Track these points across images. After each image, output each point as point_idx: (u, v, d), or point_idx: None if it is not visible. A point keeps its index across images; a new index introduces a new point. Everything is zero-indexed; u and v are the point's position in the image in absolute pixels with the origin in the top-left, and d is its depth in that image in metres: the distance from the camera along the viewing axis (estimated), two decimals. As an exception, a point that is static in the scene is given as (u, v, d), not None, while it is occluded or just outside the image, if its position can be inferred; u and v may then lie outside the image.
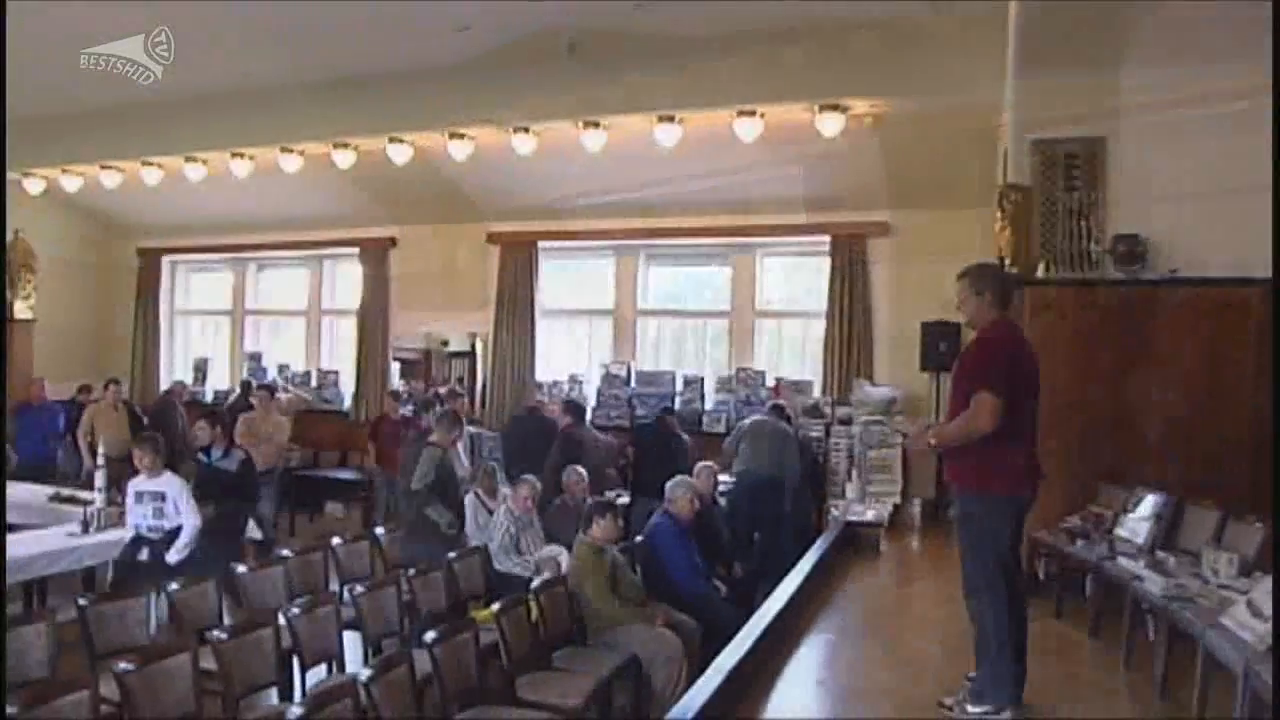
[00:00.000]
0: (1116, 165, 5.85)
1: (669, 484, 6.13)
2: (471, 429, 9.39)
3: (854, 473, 8.43)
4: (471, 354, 10.88)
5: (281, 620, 4.33)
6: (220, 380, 12.36)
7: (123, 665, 3.61)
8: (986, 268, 4.06)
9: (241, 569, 5.23)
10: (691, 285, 10.81)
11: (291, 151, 9.54)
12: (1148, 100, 5.75)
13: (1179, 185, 5.70)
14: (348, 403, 11.40)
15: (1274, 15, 4.32)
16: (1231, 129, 5.61)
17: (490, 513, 6.54)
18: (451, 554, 5.66)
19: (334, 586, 5.62)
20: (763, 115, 7.84)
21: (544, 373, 10.58)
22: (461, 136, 8.80)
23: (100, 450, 6.96)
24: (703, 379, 9.89)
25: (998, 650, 3.64)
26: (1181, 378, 5.61)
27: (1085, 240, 5.88)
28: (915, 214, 8.83)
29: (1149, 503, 4.98)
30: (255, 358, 12.14)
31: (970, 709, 3.70)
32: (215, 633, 4.05)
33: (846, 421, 8.70)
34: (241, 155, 9.75)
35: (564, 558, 5.77)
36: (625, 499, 8.01)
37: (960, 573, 3.82)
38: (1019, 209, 5.89)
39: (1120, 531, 5.02)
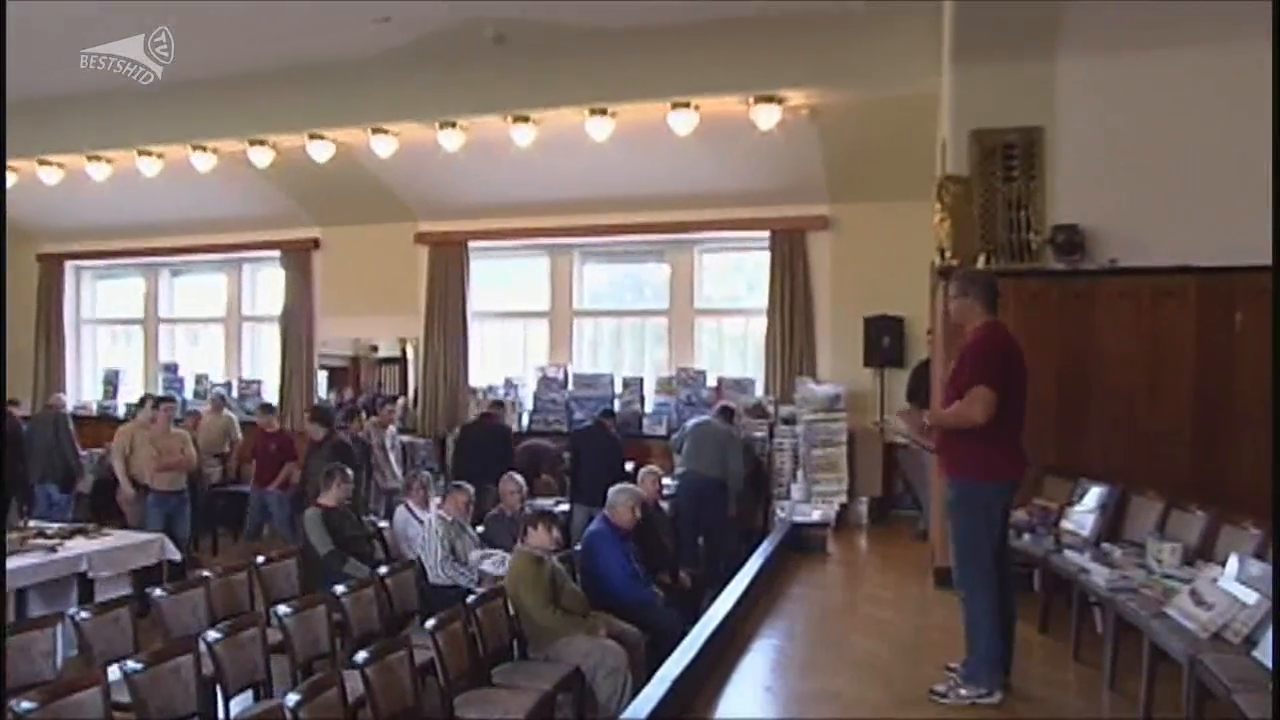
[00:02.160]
0: (1055, 155, 5.93)
1: (612, 490, 6.08)
2: (404, 438, 9.36)
3: (799, 472, 8.47)
4: (402, 359, 10.80)
5: (202, 646, 4.16)
6: (134, 393, 11.90)
7: (25, 704, 3.39)
8: (973, 274, 4.42)
9: (158, 593, 5.01)
10: (629, 284, 10.80)
11: (204, 149, 9.31)
12: (1085, 89, 5.85)
13: (1117, 174, 5.81)
14: (271, 413, 11.08)
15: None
16: (1169, 116, 5.75)
17: (422, 524, 6.38)
18: (383, 569, 5.54)
19: (260, 608, 5.44)
20: (697, 108, 7.86)
21: (478, 377, 10.50)
22: (385, 132, 8.70)
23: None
24: (642, 380, 9.89)
25: (990, 635, 3.88)
26: (1123, 368, 5.73)
27: (1025, 231, 5.94)
28: (855, 207, 8.94)
29: (1094, 494, 5.06)
30: (170, 368, 11.81)
31: (963, 693, 3.91)
32: (129, 663, 3.85)
33: (790, 420, 8.74)
34: (150, 153, 9.44)
35: (500, 561, 5.71)
36: (564, 506, 7.94)
37: (929, 564, 4.05)
38: (958, 200, 5.95)
39: (1067, 524, 5.09)
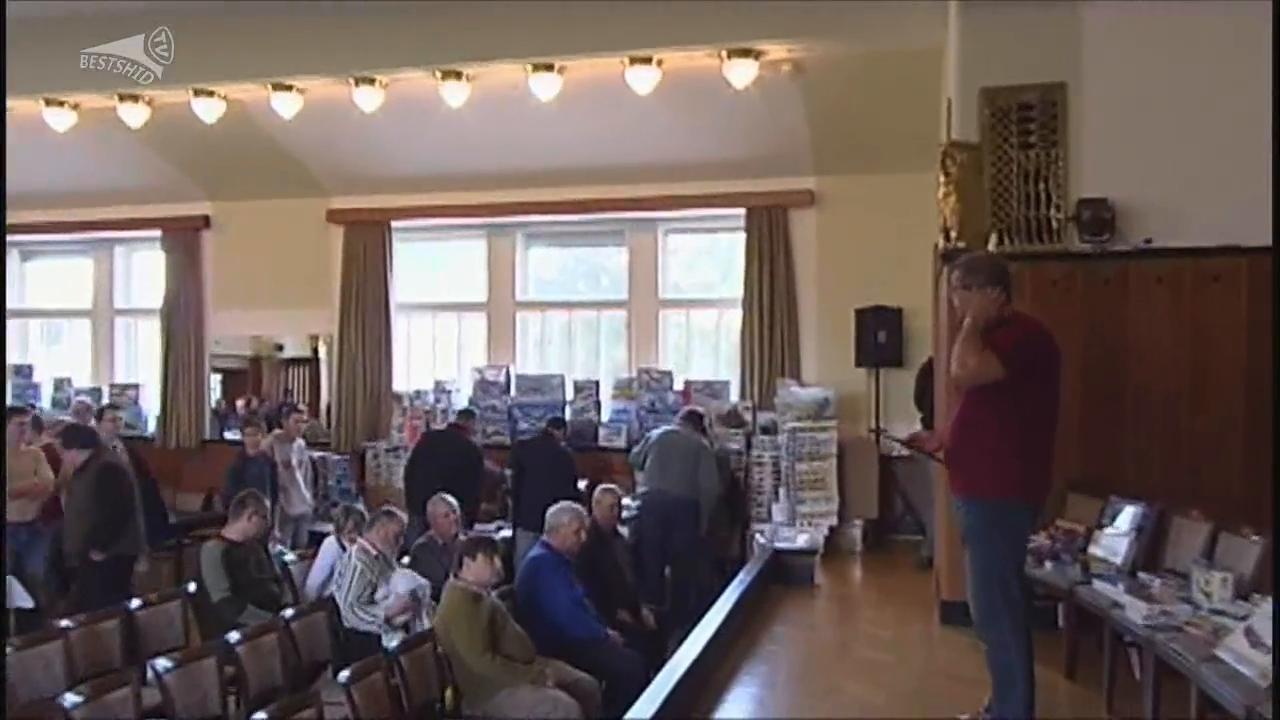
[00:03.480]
0: (1079, 117, 5.89)
1: (552, 510, 6.07)
2: (315, 453, 9.28)
3: (781, 490, 8.47)
4: (313, 360, 10.77)
5: (57, 714, 4.00)
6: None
7: None
8: (976, 259, 4.43)
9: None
10: (582, 270, 10.80)
11: (61, 104, 9.03)
12: (1116, 39, 5.82)
13: (1153, 139, 5.77)
14: (152, 426, 10.99)
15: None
16: (1214, 70, 5.73)
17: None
18: (288, 611, 5.46)
19: (134, 663, 5.26)
20: (660, 63, 7.83)
21: (404, 381, 10.46)
22: (288, 88, 8.52)
23: None
24: (598, 383, 9.89)
25: (1026, 680, 3.93)
26: (1161, 366, 5.70)
27: (1044, 206, 5.91)
28: (845, 180, 8.94)
29: (1128, 515, 5.02)
30: (23, 371, 11.52)
31: None
32: (-36, 737, 3.66)
33: (770, 430, 8.74)
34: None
35: (423, 592, 5.65)
36: (506, 533, 7.91)
37: (962, 597, 4.12)
38: (965, 171, 5.94)
39: (1095, 550, 5.06)
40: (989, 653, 4.02)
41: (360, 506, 6.97)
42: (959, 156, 5.95)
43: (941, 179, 6.01)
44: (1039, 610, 5.26)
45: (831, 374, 8.97)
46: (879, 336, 8.64)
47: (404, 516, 6.22)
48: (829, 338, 9.07)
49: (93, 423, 8.16)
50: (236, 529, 6.02)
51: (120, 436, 9.02)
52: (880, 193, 8.65)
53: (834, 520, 8.29)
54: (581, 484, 8.00)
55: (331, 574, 6.14)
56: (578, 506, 6.21)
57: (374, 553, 5.89)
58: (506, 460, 8.75)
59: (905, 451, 6.80)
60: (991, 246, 5.82)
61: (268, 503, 6.30)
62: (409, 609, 5.58)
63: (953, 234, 5.91)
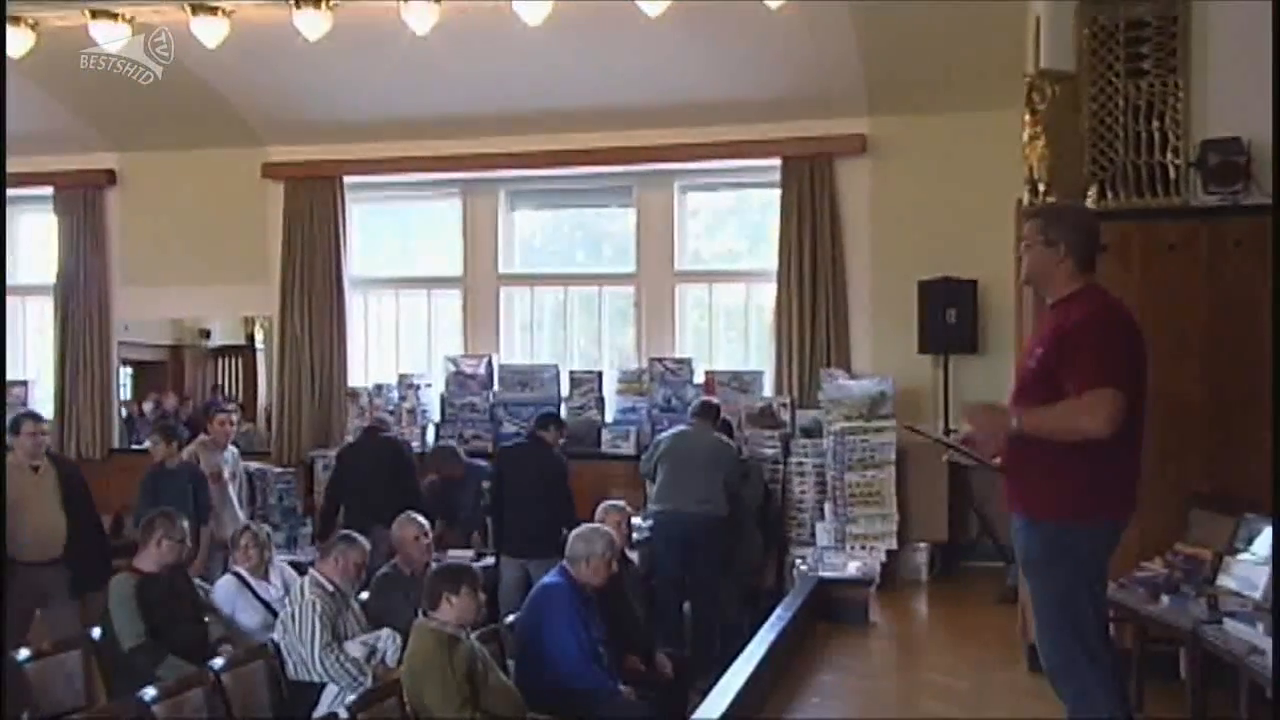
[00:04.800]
0: (1205, 38, 5.78)
1: (575, 535, 6.06)
2: (252, 464, 9.35)
3: (827, 506, 8.47)
4: (249, 348, 10.86)
5: None
6: None
7: None
8: (1069, 211, 4.44)
9: None
10: (580, 237, 10.82)
11: None
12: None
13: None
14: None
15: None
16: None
17: (260, 601, 6.29)
18: (218, 662, 5.40)
19: None
20: (676, -24, 7.82)
21: (361, 374, 10.51)
22: (212, 10, 8.41)
23: None
24: (600, 376, 9.91)
25: None
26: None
27: (1159, 150, 5.80)
28: (906, 122, 8.94)
29: (1267, 537, 4.92)
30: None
31: None
32: None
33: (813, 432, 8.76)
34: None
35: (394, 650, 5.66)
36: (488, 560, 7.93)
37: (1020, 639, 4.03)
38: (1058, 108, 5.87)
39: (1226, 581, 4.97)
40: (1069, 712, 3.93)
41: (265, 529, 6.90)
42: (1050, 89, 5.86)
43: (1028, 118, 5.93)
44: (1153, 657, 5.27)
45: (889, 362, 8.97)
46: (948, 315, 8.62)
47: (365, 544, 6.18)
48: (885, 318, 9.07)
49: None
50: (148, 558, 5.99)
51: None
52: (949, 136, 8.65)
53: (893, 543, 8.29)
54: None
55: (233, 617, 6.20)
56: (604, 529, 6.22)
57: (330, 588, 5.85)
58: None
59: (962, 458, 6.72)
60: (1090, 201, 5.76)
61: (185, 524, 6.25)
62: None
63: (1041, 186, 5.84)
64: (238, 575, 6.41)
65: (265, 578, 6.47)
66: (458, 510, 8.82)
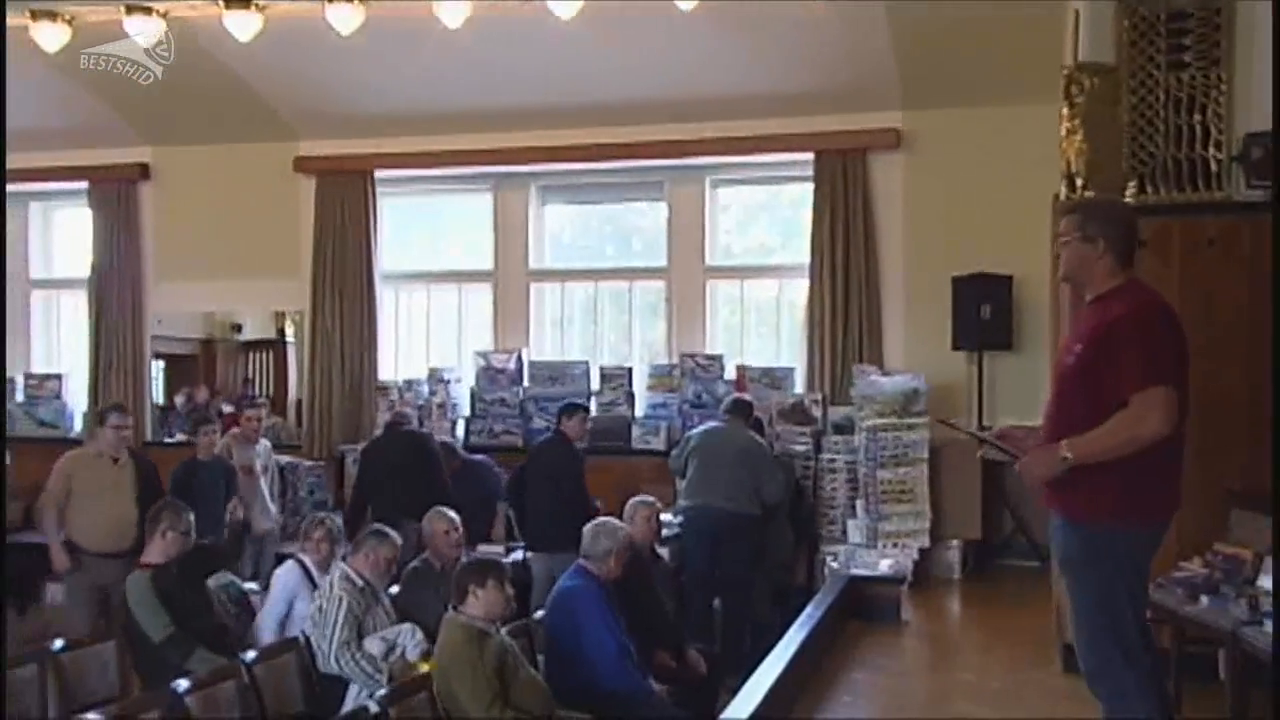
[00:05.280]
0: (1250, 29, 5.71)
1: (589, 530, 6.06)
2: (283, 458, 9.40)
3: (859, 504, 8.46)
4: (279, 343, 10.89)
5: None
6: None
7: None
8: (1107, 206, 4.45)
9: None
10: (610, 232, 10.84)
11: None
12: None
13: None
14: (78, 426, 11.01)
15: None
16: None
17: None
18: (249, 654, 5.46)
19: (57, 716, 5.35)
20: (709, -31, 7.81)
21: (391, 368, 10.55)
22: (245, 4, 8.44)
23: None
24: (630, 371, 9.92)
25: None
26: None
27: (1200, 144, 5.76)
28: (940, 115, 8.91)
29: (1309, 536, 4.90)
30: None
31: None
32: None
33: (845, 428, 8.74)
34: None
35: (415, 643, 5.67)
36: (517, 555, 7.97)
37: (1054, 639, 3.99)
38: (1097, 101, 5.83)
39: (1266, 582, 4.88)
40: (1105, 713, 3.91)
41: (334, 521, 6.91)
42: (1089, 82, 5.83)
43: (1065, 111, 5.90)
44: (1192, 658, 5.21)
45: (922, 359, 8.93)
46: (983, 311, 8.59)
47: (396, 538, 6.19)
48: (919, 313, 9.04)
49: None
50: (155, 550, 6.09)
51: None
52: (984, 131, 8.60)
53: (925, 541, 8.25)
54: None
55: (290, 609, 6.17)
56: (616, 524, 6.23)
57: (360, 583, 5.86)
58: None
59: (995, 453, 6.67)
60: (1130, 196, 5.70)
61: (191, 517, 6.31)
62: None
63: (1078, 180, 5.80)
64: (301, 564, 6.42)
65: (326, 571, 6.45)
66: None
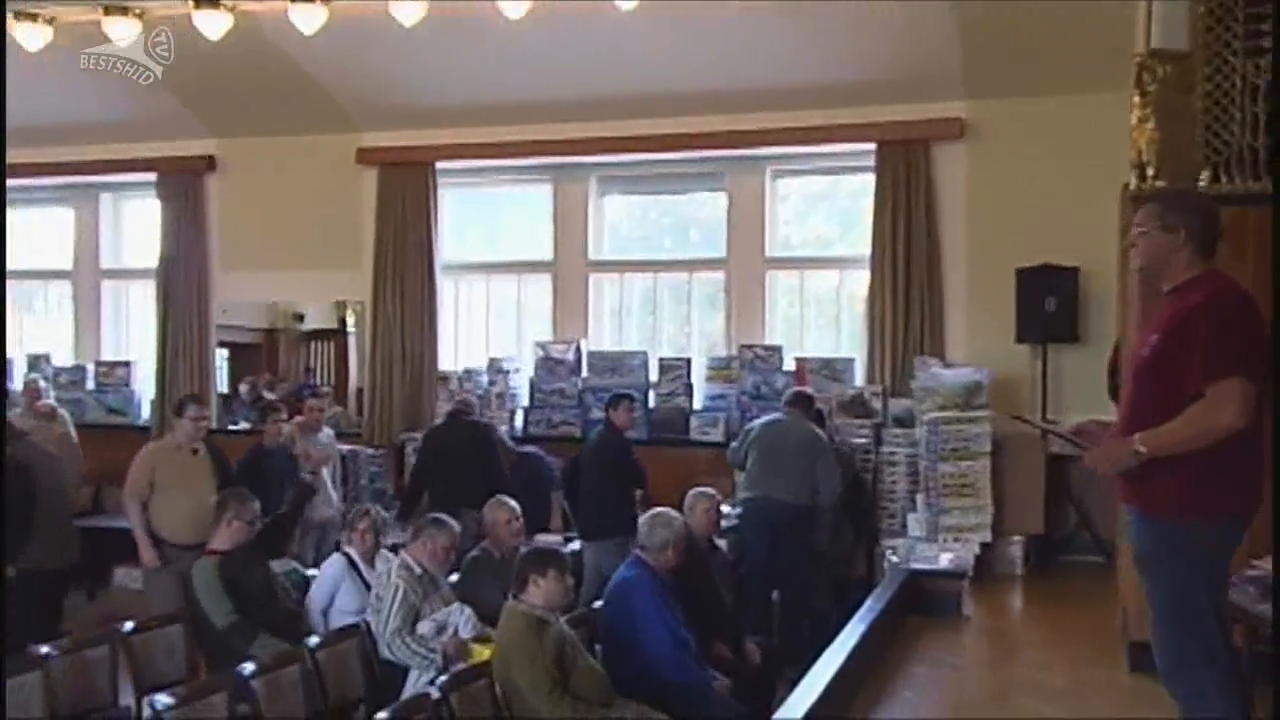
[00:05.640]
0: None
1: (644, 520, 6.05)
2: (344, 446, 9.50)
3: (919, 497, 8.44)
4: (340, 332, 10.95)
5: None
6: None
7: None
8: (1189, 196, 4.45)
9: None
10: (669, 223, 10.83)
11: (34, 19, 9.15)
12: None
13: None
14: (147, 413, 11.23)
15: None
16: None
17: (365, 583, 6.36)
18: (313, 639, 5.57)
19: (127, 699, 5.46)
20: (771, -42, 7.81)
21: (451, 358, 10.61)
22: None
23: None
24: (689, 362, 9.91)
25: None
26: None
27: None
28: (1006, 105, 8.85)
29: (1387, 533, 4.74)
30: (-8, 347, 11.81)
31: None
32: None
33: (905, 421, 8.74)
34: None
35: (466, 620, 5.72)
36: (575, 545, 7.98)
37: (1119, 636, 3.91)
38: (1170, 89, 5.74)
39: (1343, 579, 4.83)
40: (1182, 713, 3.86)
41: (379, 511, 7.00)
42: (1161, 69, 5.74)
43: (1137, 99, 5.79)
44: (1263, 657, 5.06)
45: (985, 351, 8.86)
46: (1048, 304, 8.52)
47: (455, 526, 6.24)
48: (982, 305, 8.97)
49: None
50: (222, 538, 6.18)
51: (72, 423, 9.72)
52: (1052, 120, 8.53)
53: (987, 536, 8.19)
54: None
55: (332, 601, 6.27)
56: (670, 514, 6.19)
57: (418, 571, 5.92)
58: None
59: (1064, 446, 6.61)
60: (1203, 185, 5.61)
61: (257, 505, 6.39)
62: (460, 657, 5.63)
63: (1149, 170, 5.71)
64: (348, 556, 6.48)
65: (371, 563, 6.54)
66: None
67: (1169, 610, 3.82)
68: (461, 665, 5.41)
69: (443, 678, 5.01)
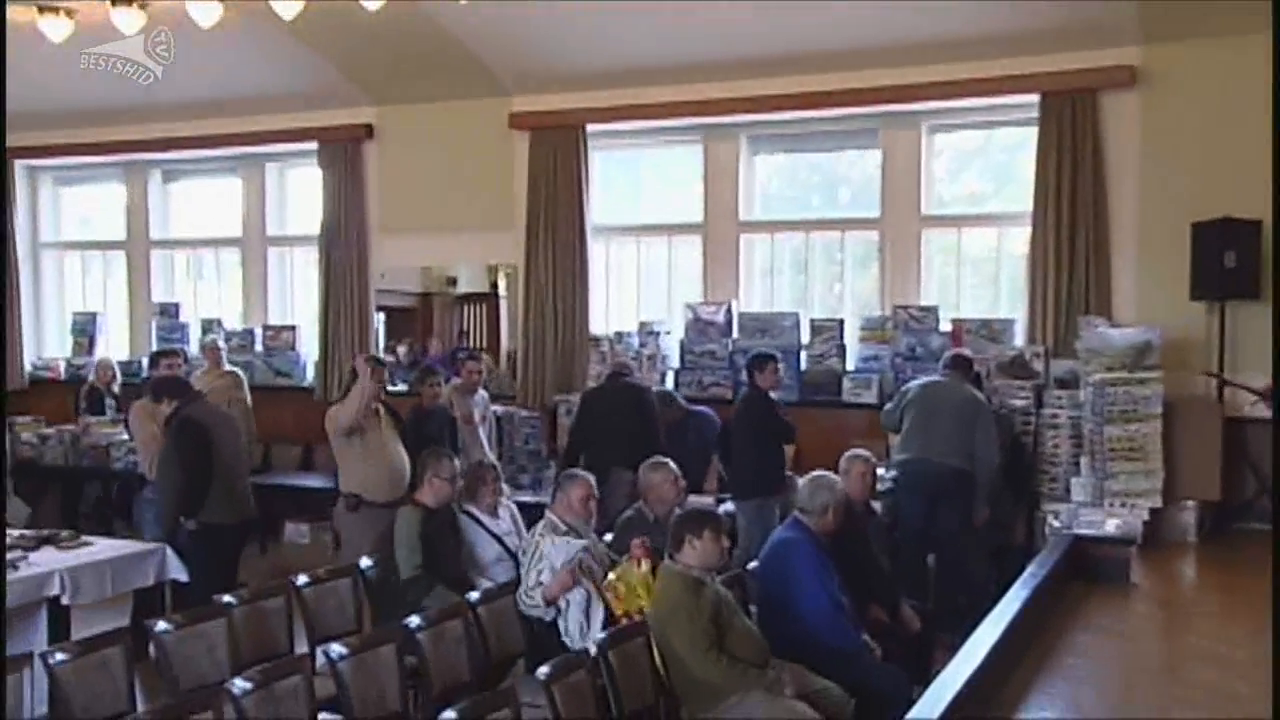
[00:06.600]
0: None
1: (804, 482, 6.10)
2: (498, 408, 9.70)
3: (1083, 461, 8.28)
4: (493, 296, 11.05)
5: (226, 702, 4.29)
6: (118, 348, 12.53)
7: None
8: None
9: (161, 627, 5.20)
10: (820, 182, 10.73)
11: None
12: None
13: None
14: (310, 375, 11.55)
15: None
16: None
17: (495, 536, 6.65)
18: (474, 594, 5.76)
19: (302, 648, 5.66)
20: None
21: (602, 321, 10.68)
22: None
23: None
24: (842, 323, 9.86)
25: None
26: None
27: None
28: (1184, 49, 8.55)
29: None
30: (168, 310, 12.25)
31: None
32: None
33: (1069, 382, 8.59)
34: (128, 1, 9.36)
35: (582, 554, 5.91)
36: (728, 506, 8.05)
37: None
38: None
39: None
40: None
41: (493, 464, 7.30)
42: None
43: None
44: None
45: (1156, 310, 8.63)
46: (1226, 259, 8.21)
47: (590, 478, 6.40)
48: (1153, 262, 8.72)
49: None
50: (426, 494, 6.45)
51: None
52: (1235, 64, 8.20)
53: (1157, 501, 7.98)
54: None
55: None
56: (830, 477, 6.22)
57: (563, 528, 6.09)
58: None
59: (1259, 409, 6.38)
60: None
61: (455, 462, 6.63)
62: (570, 585, 5.78)
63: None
64: (469, 514, 6.74)
65: (494, 513, 6.80)
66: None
67: None
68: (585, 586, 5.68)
69: (601, 634, 5.12)
